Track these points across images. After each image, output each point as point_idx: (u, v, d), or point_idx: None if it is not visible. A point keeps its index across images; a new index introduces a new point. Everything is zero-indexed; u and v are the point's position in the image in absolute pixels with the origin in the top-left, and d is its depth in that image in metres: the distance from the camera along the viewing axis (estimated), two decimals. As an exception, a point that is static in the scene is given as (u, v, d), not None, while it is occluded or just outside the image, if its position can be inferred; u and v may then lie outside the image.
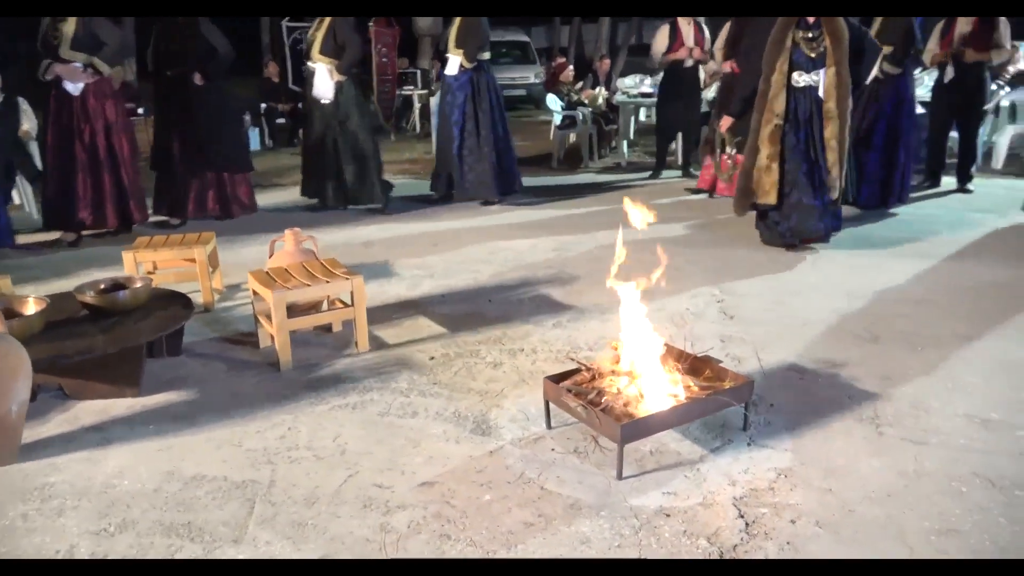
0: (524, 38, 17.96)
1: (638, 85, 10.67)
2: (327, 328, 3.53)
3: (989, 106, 7.23)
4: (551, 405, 2.57)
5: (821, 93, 4.43)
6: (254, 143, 10.21)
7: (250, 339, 3.47)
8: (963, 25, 6.29)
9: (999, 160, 7.69)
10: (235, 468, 2.41)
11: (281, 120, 11.14)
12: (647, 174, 7.71)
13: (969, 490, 2.19)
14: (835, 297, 3.87)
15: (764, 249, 4.80)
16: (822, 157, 4.51)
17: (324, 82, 5.99)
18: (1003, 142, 7.79)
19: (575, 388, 2.45)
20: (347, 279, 3.22)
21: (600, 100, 8.88)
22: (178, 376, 3.09)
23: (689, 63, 7.17)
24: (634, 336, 2.50)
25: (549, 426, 2.59)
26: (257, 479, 2.34)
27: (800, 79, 4.42)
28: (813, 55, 4.38)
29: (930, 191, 6.63)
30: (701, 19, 7.28)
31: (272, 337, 3.24)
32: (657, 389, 2.41)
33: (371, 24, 11.44)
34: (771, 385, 2.88)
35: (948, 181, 6.73)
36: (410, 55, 15.11)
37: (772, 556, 1.93)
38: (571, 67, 9.65)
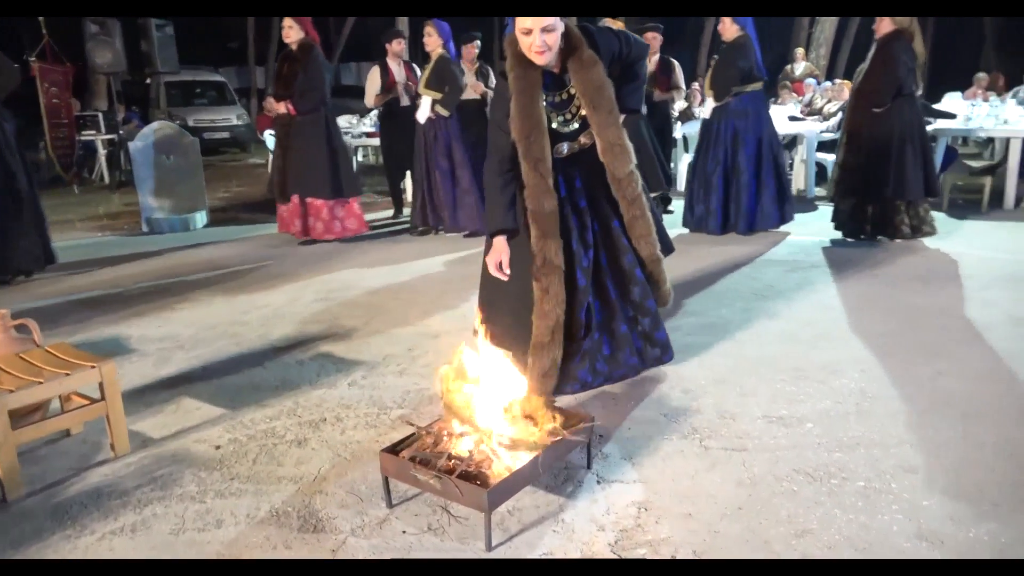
0: (219, 78, 16.81)
1: (356, 125, 10.49)
2: (63, 433, 2.79)
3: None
4: (390, 480, 2.27)
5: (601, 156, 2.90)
6: None
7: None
8: (650, 67, 7.20)
9: (680, 183, 8.89)
10: (-25, 655, 1.73)
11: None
12: (389, 213, 7.59)
13: (798, 488, 2.35)
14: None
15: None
16: (626, 256, 3.02)
17: None
18: (682, 168, 9.02)
19: (422, 457, 2.18)
20: (93, 367, 2.56)
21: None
22: None
23: (405, 102, 7.22)
24: (475, 388, 2.31)
25: (390, 504, 2.28)
26: (16, 663, 1.70)
27: (564, 149, 2.93)
28: (567, 129, 2.89)
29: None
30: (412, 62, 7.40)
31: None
32: (509, 443, 2.24)
33: (33, 60, 9.77)
34: (591, 413, 2.85)
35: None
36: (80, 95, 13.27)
37: (668, 598, 1.87)
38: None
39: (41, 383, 2.44)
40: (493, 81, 7.52)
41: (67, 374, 2.51)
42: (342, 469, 2.52)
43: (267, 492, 2.38)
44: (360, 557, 2.04)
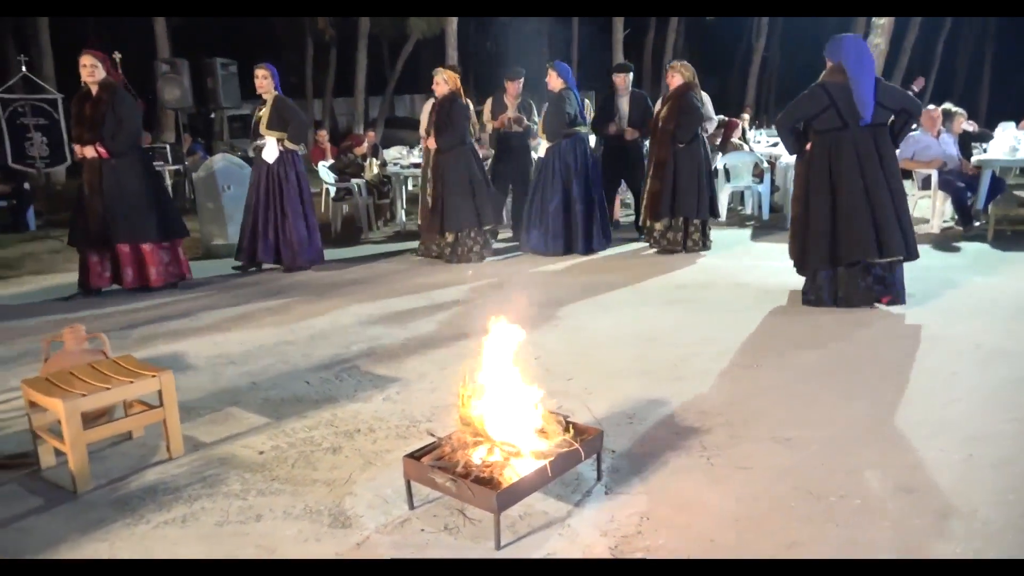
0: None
1: (406, 156, 10.91)
2: (125, 436, 3.09)
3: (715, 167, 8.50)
4: (412, 484, 2.48)
5: None
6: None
7: (24, 461, 2.92)
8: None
9: (723, 213, 8.98)
10: (47, 620, 1.99)
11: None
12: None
13: (795, 504, 2.48)
14: (634, 345, 4.21)
15: (540, 301, 5.09)
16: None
17: None
18: (723, 198, 9.12)
19: (440, 463, 2.39)
20: (154, 376, 2.86)
21: (375, 170, 8.93)
22: (-65, 519, 2.50)
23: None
24: (491, 401, 2.51)
25: (412, 506, 2.49)
26: (81, 628, 1.96)
27: None
28: None
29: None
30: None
31: (57, 455, 2.77)
32: (520, 452, 2.43)
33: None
34: (607, 432, 3.03)
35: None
36: (150, 128, 14.08)
37: (659, 597, 2.02)
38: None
39: (109, 389, 2.75)
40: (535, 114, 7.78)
41: (131, 382, 2.81)
42: (371, 474, 2.75)
43: (302, 492, 2.63)
44: (381, 551, 2.25)
